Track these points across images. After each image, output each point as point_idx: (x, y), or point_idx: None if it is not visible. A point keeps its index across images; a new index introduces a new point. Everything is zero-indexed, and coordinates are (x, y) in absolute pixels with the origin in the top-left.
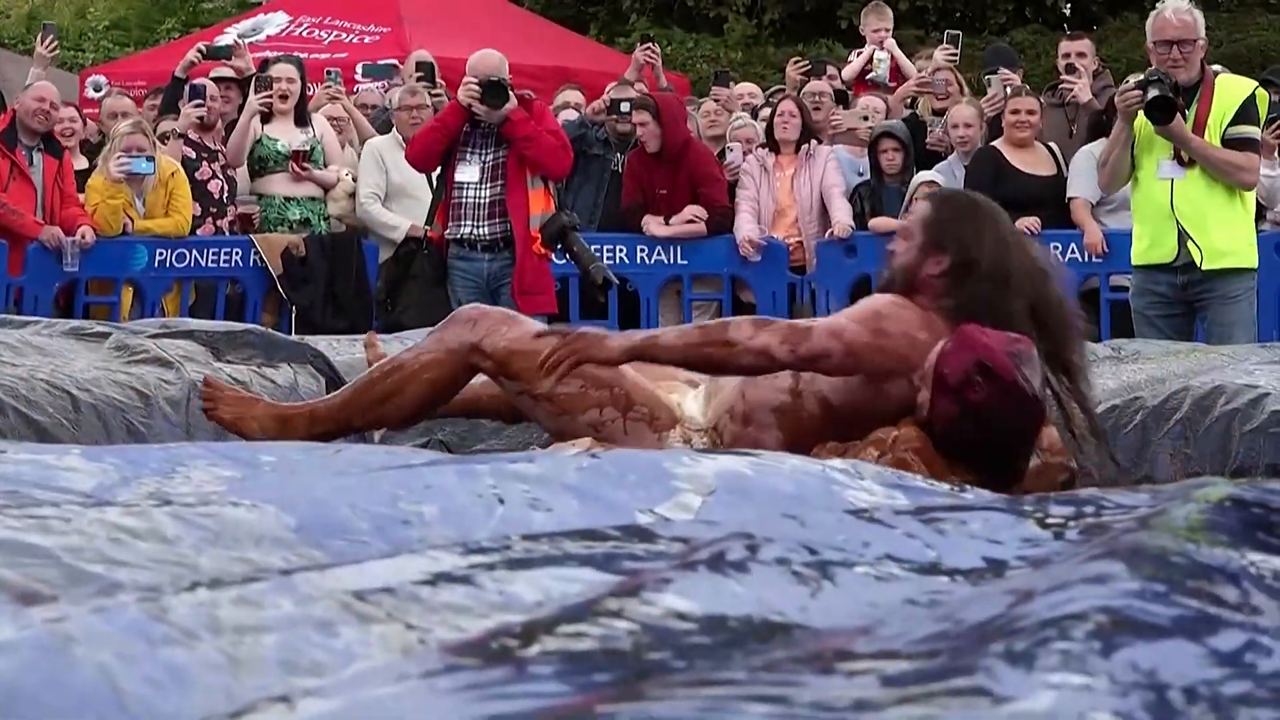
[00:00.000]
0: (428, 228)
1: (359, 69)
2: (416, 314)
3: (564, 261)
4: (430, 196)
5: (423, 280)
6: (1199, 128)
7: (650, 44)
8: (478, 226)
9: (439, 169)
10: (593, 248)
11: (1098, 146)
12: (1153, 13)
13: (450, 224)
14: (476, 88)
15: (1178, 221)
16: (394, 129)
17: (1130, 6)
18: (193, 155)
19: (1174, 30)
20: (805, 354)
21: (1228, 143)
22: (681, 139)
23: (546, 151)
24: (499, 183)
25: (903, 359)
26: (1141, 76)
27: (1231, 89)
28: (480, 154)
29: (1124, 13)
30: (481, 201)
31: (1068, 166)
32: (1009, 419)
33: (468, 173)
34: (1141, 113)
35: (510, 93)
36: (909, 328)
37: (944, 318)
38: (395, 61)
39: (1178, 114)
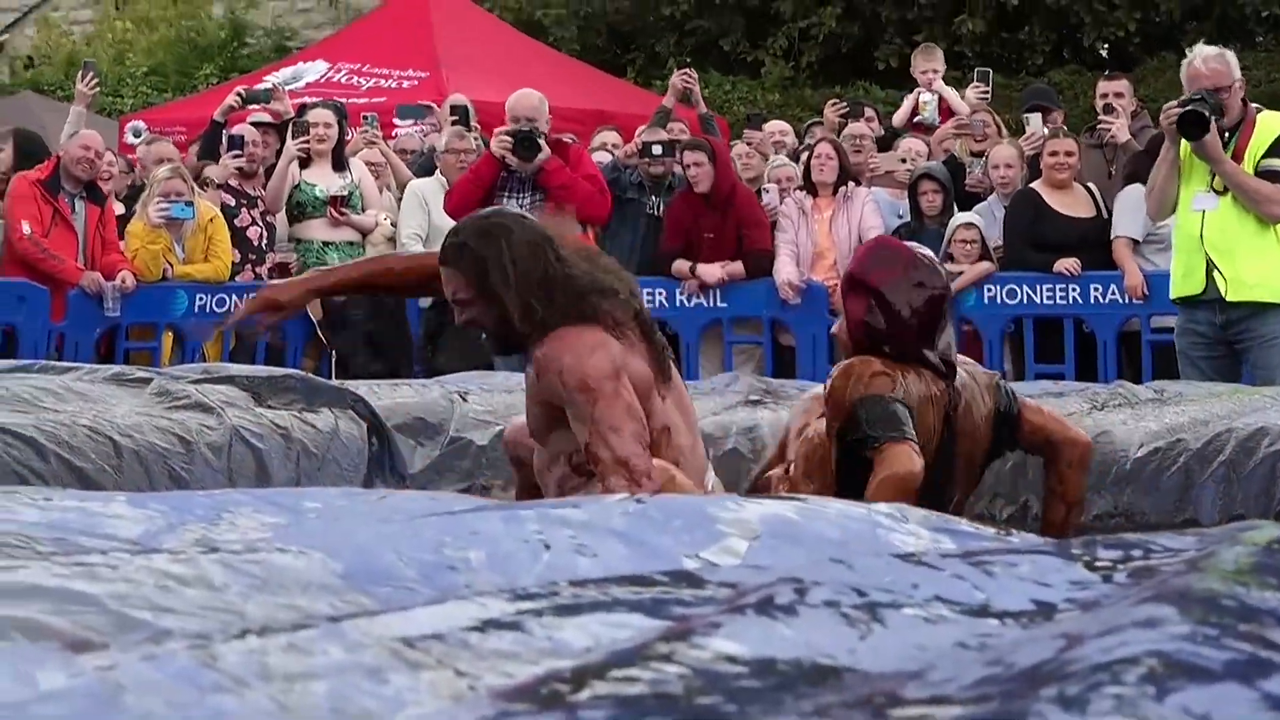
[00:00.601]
0: None
1: (395, 110)
2: (458, 359)
3: None
4: None
5: (462, 327)
6: (1236, 160)
7: (688, 69)
8: None
9: None
10: None
11: (1138, 188)
12: (1184, 62)
13: None
14: (509, 139)
15: (1206, 252)
16: (437, 171)
17: (1167, 46)
18: (231, 202)
19: (1206, 80)
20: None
21: (1261, 174)
22: (731, 182)
23: (584, 199)
24: None
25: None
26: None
27: (1270, 124)
28: (518, 199)
29: (1161, 52)
30: None
31: (1106, 207)
32: (912, 293)
33: None
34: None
35: (542, 144)
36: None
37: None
38: (431, 102)
39: (1212, 133)
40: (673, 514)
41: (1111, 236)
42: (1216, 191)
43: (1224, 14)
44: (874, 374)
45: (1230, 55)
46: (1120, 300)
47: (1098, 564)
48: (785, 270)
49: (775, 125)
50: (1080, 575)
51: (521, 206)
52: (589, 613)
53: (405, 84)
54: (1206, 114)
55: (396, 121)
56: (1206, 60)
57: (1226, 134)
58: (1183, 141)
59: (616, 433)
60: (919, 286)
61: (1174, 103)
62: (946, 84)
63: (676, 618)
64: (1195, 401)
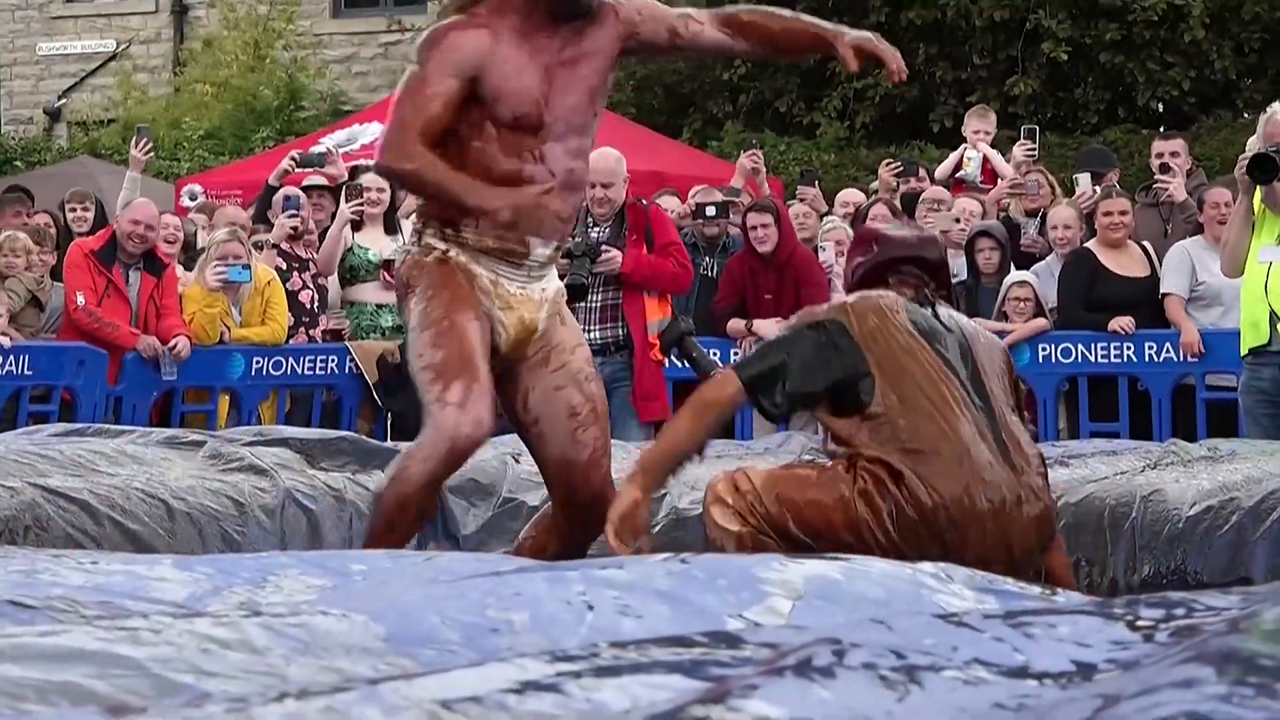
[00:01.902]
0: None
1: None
2: None
3: (680, 366)
4: None
5: None
6: None
7: (755, 151)
8: (589, 330)
9: None
10: None
11: (1190, 243)
12: (1264, 116)
13: None
14: (564, 259)
15: (1270, 305)
16: None
17: (1223, 104)
18: (283, 265)
19: None
20: None
21: None
22: (792, 243)
23: (667, 281)
24: (612, 288)
25: None
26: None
27: None
28: (600, 291)
29: (1216, 110)
30: (593, 306)
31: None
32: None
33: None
34: (1258, 191)
35: (593, 259)
36: None
37: None
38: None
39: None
40: (718, 573)
41: (1161, 294)
42: None
43: (1279, 72)
44: (840, 307)
45: None
46: (1175, 358)
47: (1139, 623)
48: None
49: (849, 195)
50: (1121, 635)
51: (600, 301)
52: (628, 674)
53: None
54: (1277, 159)
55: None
56: None
57: None
58: (1255, 197)
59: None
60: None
61: (1248, 153)
62: (1003, 143)
63: (715, 679)
64: (1249, 459)
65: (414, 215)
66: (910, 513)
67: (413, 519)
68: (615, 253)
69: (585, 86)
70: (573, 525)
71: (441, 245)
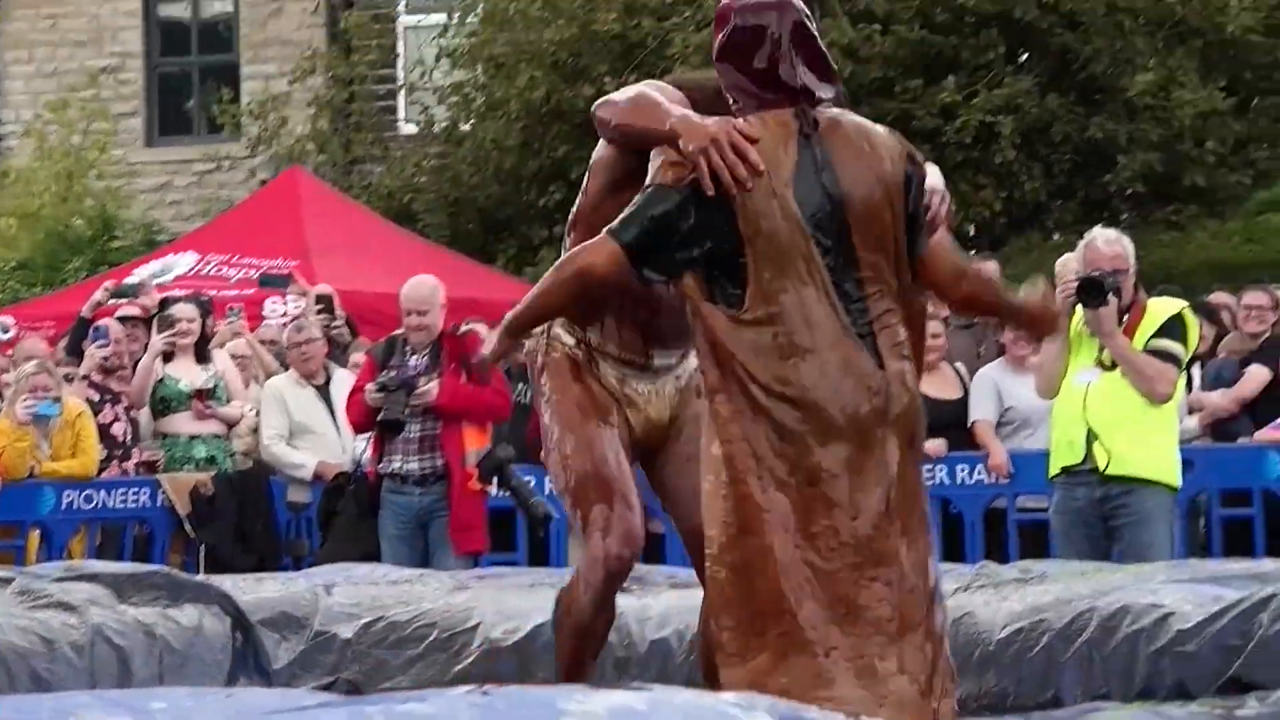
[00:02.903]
0: (362, 460)
1: (259, 280)
2: (345, 547)
3: (500, 495)
4: (333, 432)
5: (351, 513)
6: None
7: None
8: (408, 461)
9: None
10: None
11: (993, 367)
12: (1082, 243)
13: (384, 458)
14: (379, 394)
15: (1088, 423)
16: (291, 368)
17: (1033, 225)
18: (95, 398)
19: (1106, 262)
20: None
21: (1148, 353)
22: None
23: (484, 409)
24: (431, 418)
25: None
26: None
27: (1160, 309)
28: (419, 420)
29: (1027, 232)
30: (412, 436)
31: None
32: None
33: None
34: (1074, 317)
35: (409, 392)
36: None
37: None
38: (292, 272)
39: (1110, 307)
40: (519, 704)
41: (970, 420)
42: (1103, 366)
43: (1087, 194)
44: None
45: (1128, 241)
46: (985, 480)
47: None
48: None
49: None
50: None
51: (419, 431)
52: None
53: (274, 273)
54: (1106, 284)
55: (260, 291)
56: (1109, 243)
57: (1119, 315)
58: (1073, 319)
59: None
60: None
61: (1070, 276)
62: None
63: None
64: (1059, 581)
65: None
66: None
67: (597, 641)
68: (431, 386)
69: None
70: None
71: (570, 340)
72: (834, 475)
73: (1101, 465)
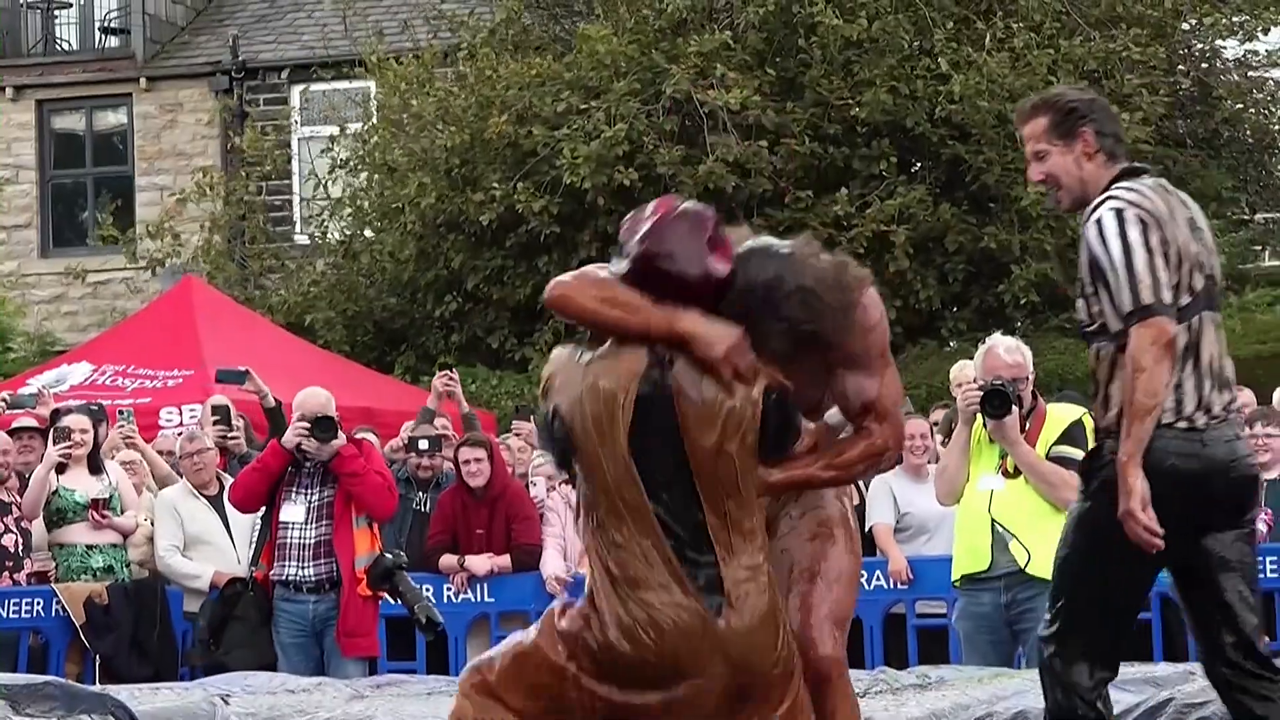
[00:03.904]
0: (254, 569)
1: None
2: (240, 656)
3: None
4: (228, 542)
5: (247, 621)
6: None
7: (449, 371)
8: (303, 567)
9: (263, 510)
10: None
11: (891, 476)
12: (981, 350)
13: (276, 564)
14: (305, 426)
15: (994, 526)
16: (183, 479)
17: (928, 333)
18: None
19: (1006, 370)
20: None
21: (1052, 460)
22: (505, 479)
23: (373, 490)
24: (324, 522)
25: None
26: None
27: (1060, 415)
28: (306, 494)
29: (921, 340)
30: (307, 542)
31: None
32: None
33: (293, 512)
34: (975, 423)
35: (339, 429)
36: None
37: None
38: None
39: (1012, 416)
40: None
41: (867, 526)
42: (1007, 473)
43: (982, 302)
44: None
45: (1025, 349)
46: (885, 585)
47: None
48: (551, 564)
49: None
50: None
51: (310, 501)
52: None
53: (170, 383)
54: (1009, 393)
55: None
56: (1009, 351)
57: (1021, 423)
58: (974, 426)
59: None
60: None
61: (971, 385)
62: None
63: None
64: (957, 686)
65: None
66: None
67: None
68: (343, 434)
69: None
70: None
71: None
72: None
73: (1022, 563)
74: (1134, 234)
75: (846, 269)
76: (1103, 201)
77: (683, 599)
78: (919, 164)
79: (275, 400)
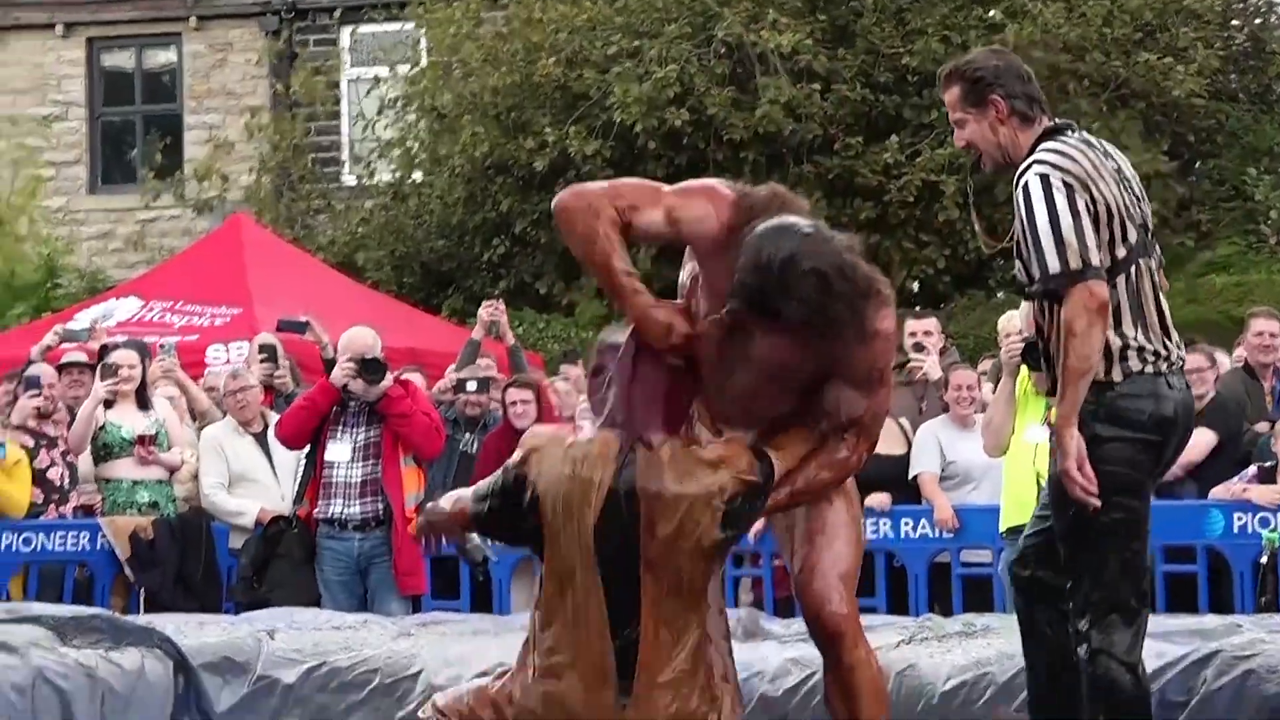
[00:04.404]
0: (297, 506)
1: (278, 323)
2: (283, 594)
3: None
4: (273, 480)
5: (290, 559)
6: None
7: (493, 301)
8: (349, 505)
9: (308, 448)
10: None
11: (936, 423)
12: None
13: (321, 502)
14: (353, 365)
15: (1038, 481)
16: (227, 414)
17: (976, 284)
18: (30, 443)
19: None
20: None
21: None
22: (553, 421)
23: (421, 430)
24: (369, 461)
25: None
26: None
27: None
28: (351, 433)
29: (969, 290)
30: (353, 481)
31: None
32: None
33: (338, 451)
34: (1020, 375)
35: (388, 369)
36: None
37: None
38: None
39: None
40: None
41: (911, 474)
42: (1050, 425)
43: None
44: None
45: None
46: (930, 534)
47: None
48: None
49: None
50: None
51: (355, 440)
52: None
53: (218, 320)
54: None
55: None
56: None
57: None
58: (1019, 377)
59: None
60: None
61: (1015, 336)
62: None
63: None
64: (1002, 635)
65: None
66: None
67: None
68: (390, 376)
69: None
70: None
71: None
72: None
73: None
74: (1060, 199)
75: (864, 267)
76: (1029, 166)
77: (598, 694)
78: None
79: (334, 351)
